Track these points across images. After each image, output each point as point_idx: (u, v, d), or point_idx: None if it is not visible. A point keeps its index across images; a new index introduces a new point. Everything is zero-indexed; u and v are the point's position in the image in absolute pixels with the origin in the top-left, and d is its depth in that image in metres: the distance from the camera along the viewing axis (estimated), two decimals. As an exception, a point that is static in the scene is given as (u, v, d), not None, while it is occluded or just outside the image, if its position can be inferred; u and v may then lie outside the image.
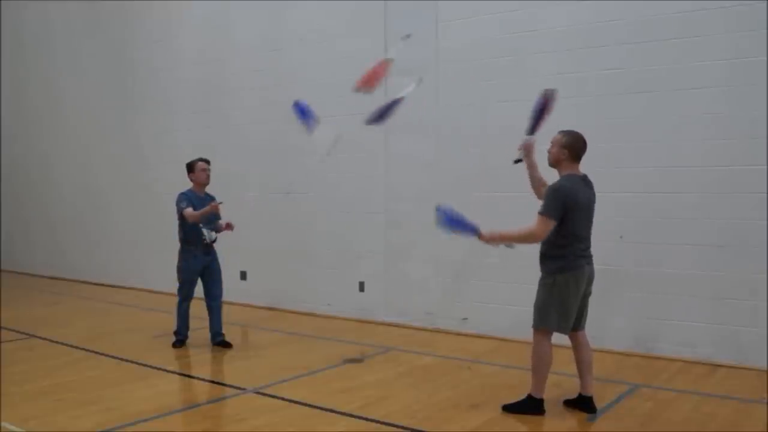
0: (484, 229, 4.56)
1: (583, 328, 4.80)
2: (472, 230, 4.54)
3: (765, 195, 5.83)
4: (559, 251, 4.58)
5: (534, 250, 4.89)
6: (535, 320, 4.72)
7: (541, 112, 4.74)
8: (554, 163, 4.69)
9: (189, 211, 6.53)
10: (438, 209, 4.54)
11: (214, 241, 6.82)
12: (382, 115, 4.97)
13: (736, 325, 6.02)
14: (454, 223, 4.54)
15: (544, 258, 4.68)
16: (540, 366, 4.70)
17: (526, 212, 5.06)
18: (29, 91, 12.80)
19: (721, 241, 6.07)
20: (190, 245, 6.73)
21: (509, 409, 4.80)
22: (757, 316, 5.90)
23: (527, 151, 4.90)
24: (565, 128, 4.72)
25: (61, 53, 12.03)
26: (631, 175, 6.45)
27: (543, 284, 4.69)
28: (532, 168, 4.98)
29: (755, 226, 5.91)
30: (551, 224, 4.49)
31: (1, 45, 13.22)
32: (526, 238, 4.60)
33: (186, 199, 6.65)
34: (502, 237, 4.64)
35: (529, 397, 4.77)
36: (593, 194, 4.70)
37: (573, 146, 4.61)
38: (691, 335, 6.22)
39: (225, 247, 7.36)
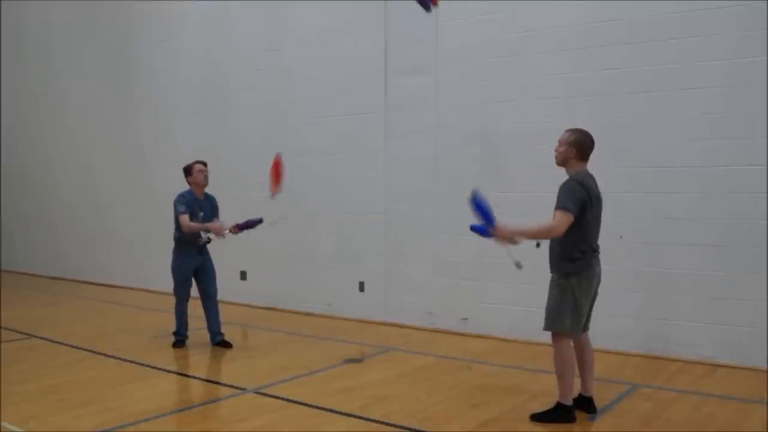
0: (501, 225, 4.41)
1: (587, 329, 4.76)
2: (489, 222, 4.43)
3: (765, 195, 5.83)
4: (573, 252, 4.47)
5: (533, 250, 4.88)
6: (547, 323, 4.60)
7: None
8: (562, 161, 4.57)
9: (185, 221, 6.54)
10: (474, 191, 4.48)
11: (209, 241, 6.83)
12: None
13: (736, 325, 6.02)
14: (480, 208, 4.46)
15: (558, 258, 4.56)
16: (564, 371, 4.56)
17: (527, 212, 5.06)
18: (29, 92, 12.80)
19: (721, 241, 6.07)
20: (185, 245, 6.74)
21: (538, 418, 4.61)
22: (757, 316, 5.89)
23: None
24: (566, 129, 4.68)
25: (61, 53, 12.03)
26: (631, 175, 6.45)
27: (557, 285, 4.55)
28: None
29: (755, 226, 5.90)
30: (571, 218, 4.34)
31: (1, 45, 13.22)
32: (545, 234, 4.47)
33: (184, 202, 6.64)
34: (521, 233, 4.44)
35: (558, 404, 4.60)
36: (600, 194, 4.62)
37: (581, 144, 4.54)
38: (691, 335, 6.22)
39: (225, 247, 7.35)
